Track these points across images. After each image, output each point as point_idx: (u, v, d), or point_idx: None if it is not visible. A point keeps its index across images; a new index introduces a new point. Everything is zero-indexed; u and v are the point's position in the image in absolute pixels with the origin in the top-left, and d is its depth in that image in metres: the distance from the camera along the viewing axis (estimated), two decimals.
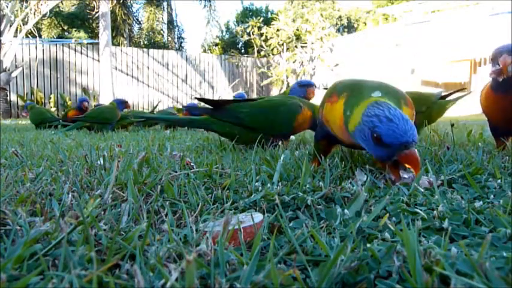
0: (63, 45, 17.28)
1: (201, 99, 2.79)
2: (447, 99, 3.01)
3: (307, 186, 1.25)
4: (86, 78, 17.52)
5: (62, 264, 0.69)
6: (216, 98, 7.52)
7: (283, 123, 2.53)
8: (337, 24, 26.15)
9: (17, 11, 14.15)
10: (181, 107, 7.72)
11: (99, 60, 16.72)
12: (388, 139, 1.23)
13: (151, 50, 19.38)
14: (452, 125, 2.10)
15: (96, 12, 16.36)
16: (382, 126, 1.24)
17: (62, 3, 22.29)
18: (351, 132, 1.38)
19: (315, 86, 3.23)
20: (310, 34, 17.70)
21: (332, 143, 1.77)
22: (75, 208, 1.06)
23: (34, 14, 14.50)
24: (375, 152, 1.32)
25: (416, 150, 1.25)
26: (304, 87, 3.17)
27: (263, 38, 18.88)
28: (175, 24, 28.00)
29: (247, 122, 2.52)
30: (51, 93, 16.67)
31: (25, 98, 15.30)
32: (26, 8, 14.35)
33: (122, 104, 5.86)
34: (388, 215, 0.98)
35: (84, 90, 17.07)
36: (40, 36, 18.99)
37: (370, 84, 1.52)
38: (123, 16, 21.90)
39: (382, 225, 0.92)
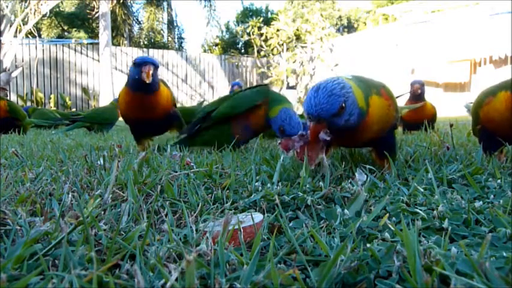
0: (63, 45, 17.27)
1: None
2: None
3: (307, 186, 1.25)
4: (86, 78, 17.51)
5: (62, 264, 0.69)
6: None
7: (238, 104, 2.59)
8: (337, 24, 26.16)
9: (16, 11, 14.15)
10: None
11: (99, 60, 16.70)
12: None
13: (151, 50, 19.37)
14: (451, 125, 2.10)
15: (96, 12, 16.35)
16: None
17: (62, 3, 22.31)
18: None
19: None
20: (310, 34, 17.70)
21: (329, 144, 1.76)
22: (75, 208, 1.06)
23: (34, 14, 14.49)
24: None
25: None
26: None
27: (263, 38, 18.87)
28: (175, 24, 28.03)
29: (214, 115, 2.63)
30: (51, 93, 16.66)
31: (25, 98, 15.29)
32: (26, 8, 14.35)
33: None
34: (388, 215, 0.98)
35: (84, 90, 17.06)
36: (40, 36, 18.99)
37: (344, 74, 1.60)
38: (123, 16, 21.90)
39: (382, 225, 0.92)
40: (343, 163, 1.56)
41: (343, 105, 1.32)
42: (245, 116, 2.53)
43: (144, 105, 2.46)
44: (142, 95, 2.42)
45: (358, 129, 1.44)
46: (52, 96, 16.52)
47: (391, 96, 1.56)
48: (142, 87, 2.36)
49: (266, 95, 2.54)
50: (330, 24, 21.69)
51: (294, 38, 18.27)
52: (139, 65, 2.31)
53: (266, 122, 2.53)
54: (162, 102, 2.52)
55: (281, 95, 2.68)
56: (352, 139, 1.54)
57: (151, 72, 2.29)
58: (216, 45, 27.60)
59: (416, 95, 4.18)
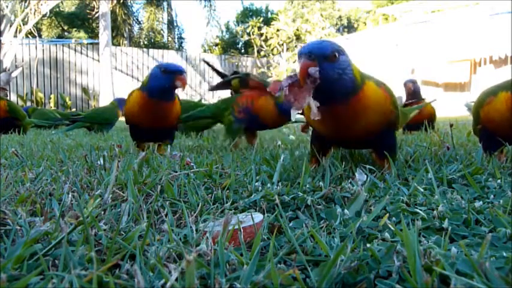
0: (63, 45, 17.27)
1: None
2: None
3: (307, 186, 1.25)
4: (86, 78, 17.51)
5: (62, 264, 0.69)
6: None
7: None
8: (337, 24, 26.16)
9: (16, 11, 14.15)
10: None
11: (99, 60, 16.70)
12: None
13: (151, 50, 19.37)
14: (451, 125, 2.10)
15: (96, 12, 16.35)
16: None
17: (62, 3, 22.30)
18: None
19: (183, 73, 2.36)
20: (310, 34, 17.72)
21: (327, 144, 1.72)
22: (75, 208, 1.06)
23: (34, 14, 14.49)
24: None
25: None
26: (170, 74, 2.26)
27: (263, 38, 18.89)
28: (175, 24, 28.03)
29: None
30: (51, 93, 16.66)
31: (25, 98, 15.29)
32: (26, 8, 14.35)
33: (124, 102, 5.79)
34: (388, 215, 0.98)
35: (84, 90, 17.06)
36: (40, 36, 18.99)
37: None
38: (123, 16, 21.90)
39: (382, 225, 0.92)
40: (343, 163, 1.56)
41: (336, 54, 1.30)
42: (245, 99, 2.63)
43: (160, 113, 2.35)
44: (162, 103, 2.30)
45: (349, 104, 1.38)
46: (52, 96, 16.52)
47: (390, 93, 1.54)
48: (167, 95, 2.28)
49: (244, 76, 2.67)
50: (330, 24, 21.71)
51: (294, 38, 18.29)
52: (172, 72, 2.18)
53: (280, 111, 2.56)
54: (177, 110, 2.45)
55: None
56: (346, 123, 1.46)
57: (186, 81, 2.22)
58: (216, 45, 27.60)
59: (411, 93, 4.19)
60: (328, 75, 1.30)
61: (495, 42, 11.95)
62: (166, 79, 2.19)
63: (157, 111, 2.33)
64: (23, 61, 15.90)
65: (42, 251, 0.74)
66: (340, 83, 1.33)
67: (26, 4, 14.36)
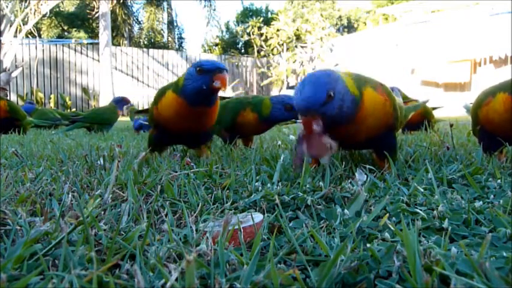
0: (63, 45, 17.27)
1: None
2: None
3: (307, 186, 1.25)
4: (86, 78, 17.51)
5: (62, 264, 0.69)
6: None
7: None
8: (337, 24, 26.16)
9: (17, 11, 14.15)
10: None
11: (99, 60, 16.71)
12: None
13: (151, 50, 19.38)
14: (451, 125, 2.10)
15: (96, 12, 16.36)
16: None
17: (62, 3, 22.30)
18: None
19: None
20: (310, 34, 17.71)
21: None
22: (75, 208, 1.06)
23: (34, 14, 14.49)
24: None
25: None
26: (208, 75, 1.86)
27: (263, 38, 18.87)
28: (175, 24, 28.04)
29: None
30: (51, 93, 16.67)
31: (25, 98, 15.29)
32: (26, 8, 14.35)
33: (121, 101, 5.79)
34: (388, 215, 0.98)
35: (84, 90, 17.07)
36: (40, 36, 18.99)
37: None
38: (123, 16, 21.90)
39: (382, 225, 0.92)
40: (343, 163, 1.56)
41: (331, 93, 1.31)
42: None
43: (200, 120, 1.99)
44: (202, 108, 1.93)
45: (355, 122, 1.42)
46: (52, 96, 16.53)
47: (388, 94, 1.55)
48: (207, 99, 1.89)
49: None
50: (330, 24, 21.71)
51: (294, 38, 18.28)
52: (209, 71, 1.80)
53: (263, 123, 2.56)
54: (215, 114, 2.07)
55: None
56: (350, 135, 1.51)
57: (227, 79, 1.84)
58: (216, 45, 27.61)
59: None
60: (332, 114, 1.33)
61: (495, 42, 11.96)
62: (203, 80, 1.81)
63: (196, 118, 1.96)
64: (23, 61, 15.90)
65: (42, 251, 0.74)
66: (343, 112, 1.36)
67: (26, 4, 14.36)
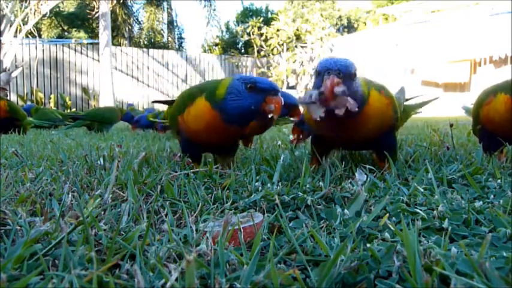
0: (63, 45, 17.27)
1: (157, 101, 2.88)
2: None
3: (307, 186, 1.25)
4: (86, 78, 17.50)
5: (62, 264, 0.69)
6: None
7: None
8: (337, 24, 26.16)
9: (17, 11, 14.15)
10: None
11: (99, 60, 16.69)
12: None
13: (151, 50, 19.36)
14: (451, 125, 2.10)
15: (96, 12, 16.34)
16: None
17: (62, 3, 22.29)
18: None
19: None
20: (310, 34, 17.70)
21: (327, 145, 1.73)
22: (75, 208, 1.06)
23: (34, 14, 14.48)
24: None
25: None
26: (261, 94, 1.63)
27: (263, 38, 18.87)
28: (175, 24, 28.03)
29: None
30: (51, 93, 16.66)
31: (25, 98, 15.29)
32: (26, 8, 14.34)
33: (130, 117, 5.50)
34: (388, 215, 0.98)
35: (84, 90, 17.06)
36: (40, 36, 18.99)
37: None
38: (123, 16, 21.89)
39: (382, 225, 0.92)
40: (343, 163, 1.56)
41: (356, 73, 1.37)
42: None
43: (234, 137, 1.83)
44: (239, 127, 1.70)
45: (358, 119, 1.44)
46: (52, 96, 16.52)
47: (391, 98, 1.59)
48: (249, 121, 1.67)
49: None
50: (330, 24, 21.71)
51: (294, 38, 18.27)
52: (263, 90, 1.56)
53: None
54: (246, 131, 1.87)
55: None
56: (352, 133, 1.52)
57: (282, 104, 1.59)
58: (216, 45, 27.60)
59: None
60: (352, 91, 1.35)
61: (495, 42, 11.96)
62: (254, 100, 1.56)
63: (231, 136, 1.78)
64: (23, 61, 15.90)
65: (42, 251, 0.74)
66: (357, 99, 1.37)
67: (26, 4, 14.36)
